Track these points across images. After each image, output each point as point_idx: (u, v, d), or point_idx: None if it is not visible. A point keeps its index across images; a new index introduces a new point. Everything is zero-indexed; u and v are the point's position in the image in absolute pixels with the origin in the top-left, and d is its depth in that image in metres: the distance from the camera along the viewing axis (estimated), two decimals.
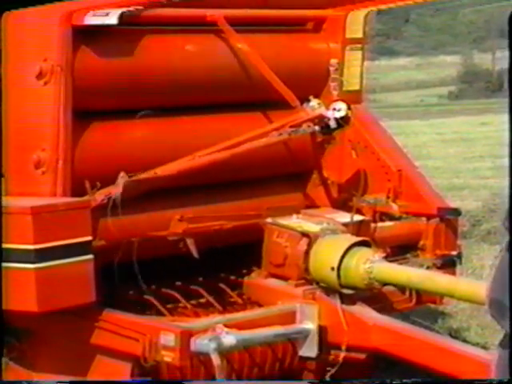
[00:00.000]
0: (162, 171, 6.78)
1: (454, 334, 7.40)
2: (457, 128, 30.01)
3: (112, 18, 6.61)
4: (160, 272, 7.07)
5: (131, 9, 6.69)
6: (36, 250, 6.31)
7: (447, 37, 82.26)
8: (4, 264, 6.36)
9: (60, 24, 6.58)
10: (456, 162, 18.56)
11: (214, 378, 6.32)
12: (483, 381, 4.50)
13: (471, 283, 6.79)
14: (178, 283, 7.13)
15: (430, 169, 7.76)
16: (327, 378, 6.89)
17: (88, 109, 6.75)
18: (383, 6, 8.07)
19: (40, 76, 6.61)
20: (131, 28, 6.81)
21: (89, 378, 6.67)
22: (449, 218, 7.61)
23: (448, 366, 6.48)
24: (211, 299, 7.10)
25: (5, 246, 6.35)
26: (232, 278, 7.31)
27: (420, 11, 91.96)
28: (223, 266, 7.29)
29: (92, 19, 6.60)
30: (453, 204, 7.80)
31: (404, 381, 6.05)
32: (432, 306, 7.53)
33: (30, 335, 6.80)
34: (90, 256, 6.46)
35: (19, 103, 6.72)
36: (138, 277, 6.82)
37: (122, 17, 6.60)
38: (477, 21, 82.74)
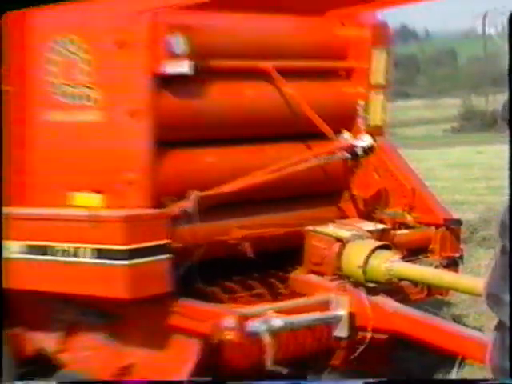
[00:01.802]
0: (224, 189, 6.81)
1: (457, 320, 7.38)
2: (458, 156, 29.88)
3: (185, 68, 6.68)
4: (223, 269, 7.07)
5: (201, 61, 6.76)
6: (128, 250, 6.38)
7: (450, 84, 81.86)
8: (98, 260, 6.46)
9: (144, 72, 6.64)
10: (457, 182, 18.50)
11: (264, 355, 6.33)
12: (486, 380, 4.41)
13: (470, 279, 6.78)
14: (237, 278, 7.15)
15: (437, 188, 7.73)
16: (356, 354, 6.92)
17: (167, 140, 6.76)
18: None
19: (131, 114, 6.65)
20: (200, 75, 6.82)
21: (168, 353, 6.70)
22: (452, 226, 7.60)
23: (451, 345, 6.51)
24: (263, 291, 7.14)
25: (100, 246, 6.45)
26: (280, 274, 7.29)
27: (428, 64, 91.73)
28: (273, 265, 7.27)
29: (169, 69, 6.64)
30: (455, 216, 7.76)
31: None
32: (439, 297, 7.50)
33: (119, 318, 6.82)
34: (168, 255, 6.49)
35: (114, 135, 6.77)
36: (197, 274, 6.84)
37: (193, 67, 6.69)
38: (473, 71, 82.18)
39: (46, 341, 7.21)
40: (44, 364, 7.18)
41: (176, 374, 6.64)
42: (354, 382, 5.91)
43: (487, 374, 4.48)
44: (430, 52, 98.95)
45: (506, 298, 3.94)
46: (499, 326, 3.98)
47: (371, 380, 6.03)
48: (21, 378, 6.90)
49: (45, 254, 6.71)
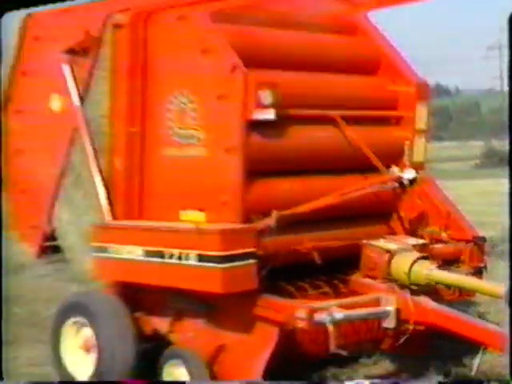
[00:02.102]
0: (299, 209, 6.77)
1: (480, 316, 7.27)
2: (481, 186, 29.59)
3: (270, 115, 6.66)
4: (296, 272, 7.01)
5: (283, 110, 6.72)
6: (223, 256, 6.38)
7: (475, 130, 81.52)
8: (200, 263, 6.46)
9: (238, 118, 6.64)
10: (481, 207, 18.16)
11: (328, 340, 6.24)
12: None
13: (492, 285, 6.67)
14: (307, 279, 7.08)
15: (466, 211, 7.58)
16: (400, 341, 6.82)
17: (254, 170, 6.75)
18: None
19: (227, 150, 6.66)
20: (282, 121, 6.78)
21: (252, 336, 6.68)
22: (479, 242, 7.48)
23: (476, 336, 6.37)
24: (328, 290, 7.07)
25: (202, 252, 6.45)
26: (341, 277, 7.20)
27: (458, 114, 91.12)
28: (336, 270, 7.20)
29: (258, 116, 6.63)
30: (481, 233, 7.63)
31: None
32: (467, 298, 7.38)
33: (216, 308, 6.82)
34: (254, 260, 6.49)
35: (214, 166, 6.78)
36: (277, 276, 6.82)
37: (276, 114, 6.65)
38: (493, 120, 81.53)
39: (160, 323, 7.22)
40: (158, 342, 7.18)
41: (258, 354, 6.59)
42: (360, 381, 5.58)
43: (504, 359, 4.40)
44: (459, 104, 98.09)
45: None
46: None
47: (377, 380, 5.85)
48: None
49: (161, 257, 6.74)
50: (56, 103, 7.88)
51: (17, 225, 8.49)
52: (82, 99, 7.70)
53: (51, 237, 8.24)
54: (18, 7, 5.36)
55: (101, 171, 7.51)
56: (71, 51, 7.60)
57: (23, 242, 8.55)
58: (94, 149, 7.59)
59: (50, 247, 8.33)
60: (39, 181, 8.24)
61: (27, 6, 5.44)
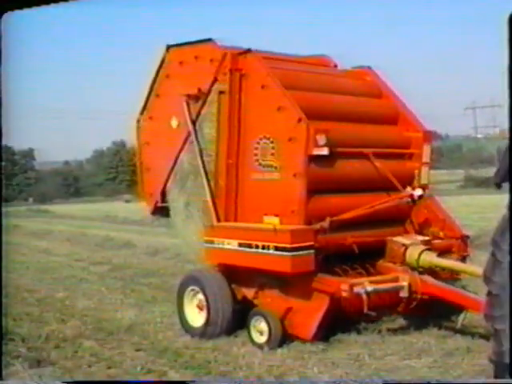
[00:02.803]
0: (344, 216, 6.69)
1: (464, 288, 7.00)
2: (464, 201, 29.00)
3: (325, 152, 6.59)
4: (341, 259, 6.86)
5: (333, 148, 6.62)
6: (292, 247, 6.32)
7: (459, 162, 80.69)
8: (276, 252, 6.36)
9: (303, 154, 6.56)
10: (465, 214, 17.61)
11: (362, 305, 6.15)
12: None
13: (473, 267, 6.49)
14: (349, 264, 6.91)
15: (454, 217, 7.41)
16: (412, 306, 6.67)
17: (313, 189, 6.66)
18: None
19: (295, 175, 6.61)
20: (332, 155, 6.68)
21: (311, 302, 6.54)
22: (464, 239, 7.28)
23: (463, 302, 6.32)
24: (362, 271, 6.91)
25: (278, 244, 6.35)
26: (371, 262, 7.01)
27: (447, 152, 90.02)
28: (368, 258, 7.00)
29: (316, 152, 6.56)
30: (466, 233, 7.42)
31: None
32: (456, 276, 7.13)
33: (286, 283, 6.71)
34: (312, 251, 6.41)
35: (285, 187, 6.70)
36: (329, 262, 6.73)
37: (328, 151, 6.58)
38: (470, 157, 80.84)
39: (248, 292, 7.15)
40: (247, 304, 7.11)
41: (315, 314, 6.49)
42: (353, 381, 5.54)
43: (481, 319, 4.23)
44: (448, 145, 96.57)
45: (494, 278, 3.81)
46: (488, 293, 3.89)
47: (368, 380, 5.65)
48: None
49: (250, 247, 6.69)
50: (174, 122, 7.85)
51: (142, 191, 8.47)
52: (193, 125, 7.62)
53: (162, 203, 8.19)
54: (17, 7, 4.04)
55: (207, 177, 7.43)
56: (188, 96, 7.56)
57: (145, 202, 8.50)
58: (201, 158, 7.53)
59: (161, 211, 8.26)
60: (157, 164, 8.19)
61: (27, 6, 4.07)
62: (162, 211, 8.26)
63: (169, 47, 7.91)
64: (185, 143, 7.72)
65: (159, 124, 8.09)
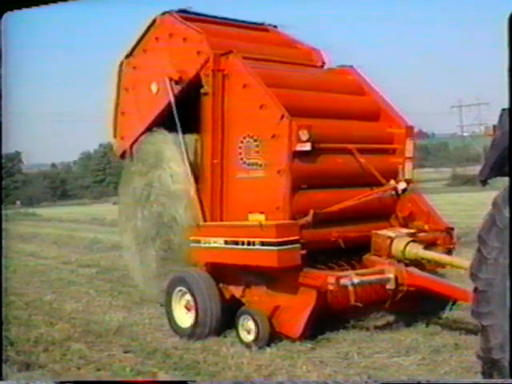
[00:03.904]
0: (328, 210, 6.73)
1: (449, 279, 7.04)
2: (450, 198, 29.14)
3: (307, 148, 6.61)
4: (327, 255, 6.90)
5: (316, 143, 6.65)
6: (278, 242, 6.34)
7: (445, 160, 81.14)
8: (262, 247, 6.39)
9: (286, 150, 6.59)
10: (451, 211, 17.55)
11: (349, 297, 6.16)
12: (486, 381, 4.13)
13: (459, 260, 6.54)
14: (335, 260, 6.95)
15: (441, 215, 7.46)
16: (398, 298, 6.66)
17: (297, 185, 6.70)
18: None
19: (279, 172, 6.63)
20: (315, 151, 6.70)
21: (298, 296, 6.55)
22: (449, 231, 7.32)
23: (450, 293, 6.38)
24: (348, 267, 6.92)
25: (263, 239, 6.36)
26: (358, 257, 7.04)
27: (433, 150, 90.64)
28: (354, 254, 7.04)
29: (299, 148, 6.58)
30: (450, 225, 7.47)
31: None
32: (441, 268, 7.21)
33: (273, 279, 6.74)
34: (298, 245, 6.43)
35: (270, 183, 6.73)
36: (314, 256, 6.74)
37: (311, 147, 6.61)
38: (457, 155, 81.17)
39: (235, 291, 7.16)
40: (234, 303, 7.11)
41: (303, 310, 6.50)
42: (344, 381, 5.54)
43: (468, 315, 4.25)
44: (434, 144, 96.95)
45: (480, 275, 3.83)
46: (475, 290, 3.91)
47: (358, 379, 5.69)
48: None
49: (236, 244, 6.71)
50: (154, 87, 7.92)
51: (114, 132, 8.74)
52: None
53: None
54: (18, 7, 4.02)
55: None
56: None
57: (115, 144, 8.87)
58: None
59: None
60: (132, 113, 8.36)
61: (27, 6, 4.04)
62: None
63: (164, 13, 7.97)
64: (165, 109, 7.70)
65: (140, 79, 8.21)
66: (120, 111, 8.64)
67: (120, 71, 8.56)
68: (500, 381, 3.76)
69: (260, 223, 6.51)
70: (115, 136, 8.77)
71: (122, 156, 8.66)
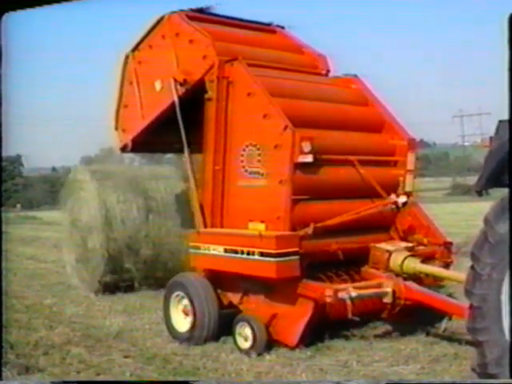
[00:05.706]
0: (328, 223, 6.70)
1: (448, 295, 7.04)
2: (450, 208, 29.09)
3: (310, 159, 6.61)
4: (326, 266, 6.89)
5: (318, 155, 6.65)
6: (277, 253, 6.33)
7: (446, 170, 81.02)
8: (261, 258, 6.35)
9: (289, 161, 6.59)
10: (450, 222, 17.64)
11: (346, 311, 6.14)
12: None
13: (457, 274, 6.52)
14: (333, 271, 6.93)
15: (440, 225, 7.42)
16: (395, 311, 6.65)
17: (298, 196, 6.68)
18: None
19: (280, 182, 6.63)
20: (317, 162, 6.69)
21: (296, 307, 6.54)
22: (448, 246, 7.30)
23: (446, 308, 6.32)
24: (347, 277, 6.92)
25: (262, 250, 6.34)
26: (356, 269, 7.03)
27: (434, 160, 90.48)
28: (353, 264, 7.03)
29: (301, 159, 6.58)
30: (449, 240, 7.45)
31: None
32: (439, 283, 7.21)
33: (271, 288, 6.74)
34: (297, 257, 6.41)
35: (271, 193, 6.71)
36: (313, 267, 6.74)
37: (313, 158, 6.61)
38: (457, 164, 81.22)
39: (233, 297, 7.16)
40: (231, 309, 7.13)
41: (300, 319, 6.51)
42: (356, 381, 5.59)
43: (464, 323, 4.26)
44: (435, 153, 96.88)
45: (475, 291, 3.82)
46: (470, 306, 3.90)
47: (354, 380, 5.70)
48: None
49: (235, 253, 6.71)
50: (158, 85, 7.90)
51: (116, 125, 8.77)
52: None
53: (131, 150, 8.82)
54: (18, 7, 3.90)
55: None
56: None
57: (117, 136, 8.86)
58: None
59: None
60: (135, 107, 8.33)
61: (27, 6, 3.89)
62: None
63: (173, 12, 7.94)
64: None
65: (144, 74, 8.20)
66: (123, 104, 8.65)
67: (125, 64, 8.53)
68: (500, 381, 3.76)
69: (260, 233, 6.51)
70: (117, 128, 8.77)
71: (123, 149, 8.67)
